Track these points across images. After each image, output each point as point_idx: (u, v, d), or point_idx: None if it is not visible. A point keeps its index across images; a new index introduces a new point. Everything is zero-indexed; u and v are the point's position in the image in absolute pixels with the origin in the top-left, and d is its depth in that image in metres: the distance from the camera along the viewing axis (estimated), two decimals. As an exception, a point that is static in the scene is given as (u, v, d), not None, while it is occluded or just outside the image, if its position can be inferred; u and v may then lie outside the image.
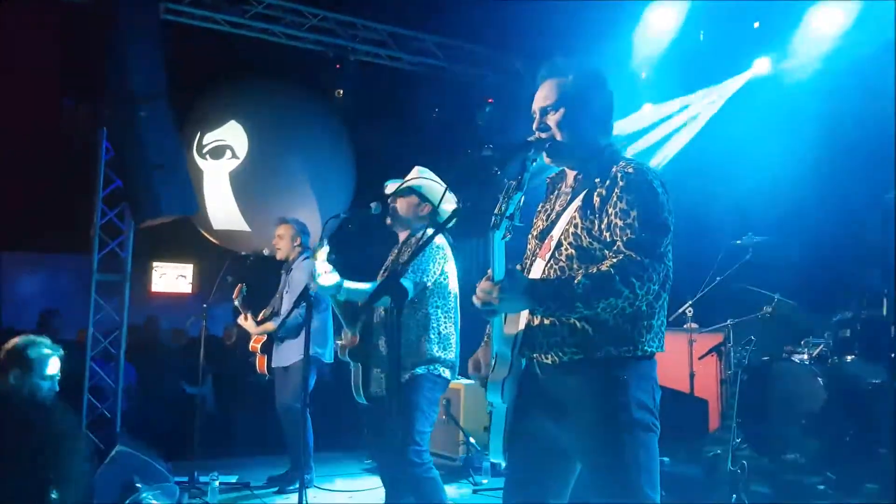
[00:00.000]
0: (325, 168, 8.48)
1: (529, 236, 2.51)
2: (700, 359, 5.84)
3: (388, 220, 3.87)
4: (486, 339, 2.56)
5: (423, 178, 3.82)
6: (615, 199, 2.23)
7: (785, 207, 6.02)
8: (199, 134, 8.42)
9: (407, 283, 3.53)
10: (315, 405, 5.03)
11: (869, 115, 5.56)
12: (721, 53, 6.50)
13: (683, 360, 5.92)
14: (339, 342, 5.72)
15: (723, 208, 6.31)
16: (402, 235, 3.92)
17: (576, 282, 2.11)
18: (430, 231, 3.67)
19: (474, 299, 2.19)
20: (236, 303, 5.51)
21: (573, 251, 2.28)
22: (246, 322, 5.54)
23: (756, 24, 6.30)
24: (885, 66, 5.24)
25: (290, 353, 5.26)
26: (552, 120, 2.37)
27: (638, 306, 2.18)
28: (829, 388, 5.01)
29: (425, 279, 3.63)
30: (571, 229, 2.31)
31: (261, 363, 5.48)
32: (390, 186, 3.90)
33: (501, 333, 2.37)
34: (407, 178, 3.87)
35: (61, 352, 3.48)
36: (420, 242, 3.42)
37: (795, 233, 6.05)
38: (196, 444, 5.52)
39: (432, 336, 3.66)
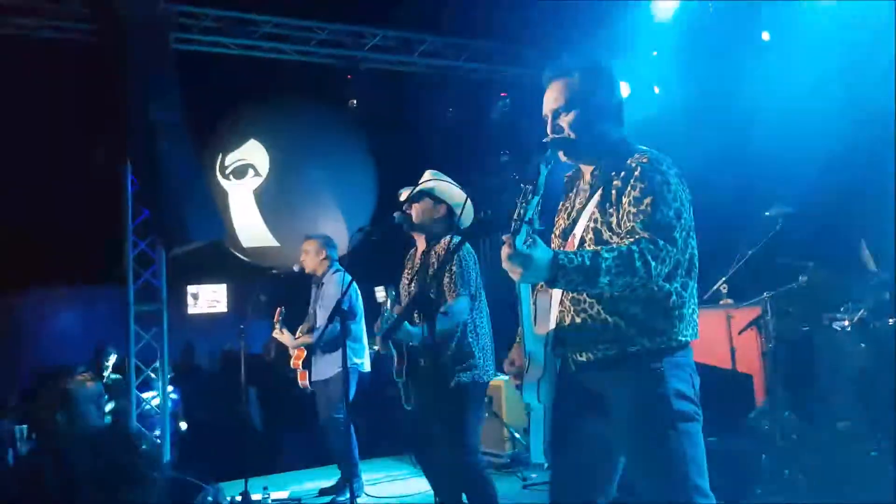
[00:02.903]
0: (347, 177, 8.55)
1: (552, 236, 2.50)
2: (739, 333, 5.77)
3: (405, 228, 3.85)
4: (518, 339, 2.57)
5: (434, 179, 3.82)
6: (630, 188, 2.23)
7: (813, 173, 5.92)
8: (220, 155, 8.54)
9: (463, 301, 3.57)
10: (357, 413, 5.08)
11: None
12: (731, 25, 6.39)
13: (723, 336, 5.85)
14: (375, 347, 5.75)
15: (749, 180, 6.23)
16: (421, 241, 3.91)
17: (601, 257, 2.07)
18: (449, 238, 3.71)
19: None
20: (277, 326, 5.54)
21: (595, 248, 2.27)
22: (283, 335, 5.57)
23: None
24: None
25: (328, 367, 5.30)
26: (564, 122, 2.37)
27: (650, 288, 2.17)
28: (872, 352, 4.94)
29: (473, 290, 3.65)
30: (592, 225, 2.31)
31: (302, 377, 5.54)
32: (404, 193, 3.90)
33: (532, 333, 2.37)
34: (419, 182, 3.87)
35: (102, 387, 3.53)
36: (453, 254, 3.47)
37: (826, 198, 5.95)
38: (245, 462, 5.59)
39: (471, 341, 3.68)
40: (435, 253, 3.77)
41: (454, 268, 3.60)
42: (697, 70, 6.66)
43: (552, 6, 6.62)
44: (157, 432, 6.69)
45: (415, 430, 3.82)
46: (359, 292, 5.40)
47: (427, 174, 3.88)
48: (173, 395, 7.30)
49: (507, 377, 6.01)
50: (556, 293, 2.36)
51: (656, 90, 7.03)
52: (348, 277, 5.02)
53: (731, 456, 4.87)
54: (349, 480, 5.21)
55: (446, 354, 3.62)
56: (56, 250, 9.89)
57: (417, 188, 3.80)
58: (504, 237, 2.03)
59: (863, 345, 4.99)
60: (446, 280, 3.62)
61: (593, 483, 2.36)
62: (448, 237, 3.75)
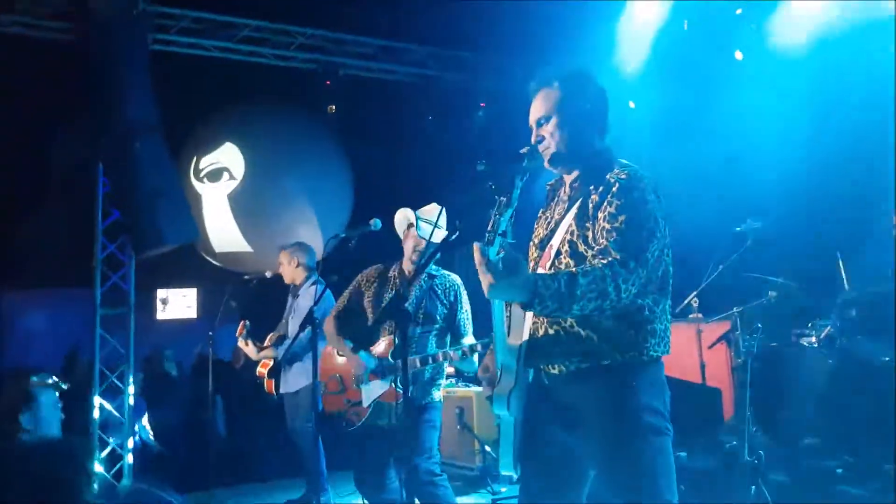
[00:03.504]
0: (323, 184, 8.47)
1: (531, 244, 2.51)
2: (709, 348, 5.82)
3: (414, 255, 3.87)
4: (491, 347, 2.56)
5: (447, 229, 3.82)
6: (606, 204, 2.24)
7: (782, 190, 6.00)
8: (195, 158, 8.43)
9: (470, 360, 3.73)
10: (327, 426, 5.02)
11: (862, 89, 5.55)
12: (706, 41, 6.48)
13: (693, 350, 5.90)
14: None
15: (720, 196, 6.30)
16: (410, 266, 3.93)
17: (577, 283, 2.07)
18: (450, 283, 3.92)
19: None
20: (241, 339, 5.48)
21: (570, 260, 2.28)
22: (247, 347, 5.51)
23: (738, 11, 6.29)
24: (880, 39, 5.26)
25: (298, 379, 5.21)
26: (546, 131, 2.39)
27: (620, 308, 2.16)
28: (839, 369, 4.99)
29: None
30: (568, 237, 2.31)
31: (269, 386, 5.46)
32: (431, 232, 3.76)
33: (505, 345, 2.37)
34: (434, 217, 3.83)
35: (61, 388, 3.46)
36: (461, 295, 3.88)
37: (794, 214, 6.04)
38: (210, 473, 5.51)
39: (444, 366, 3.94)
40: (441, 285, 3.90)
41: (466, 307, 3.90)
42: (672, 86, 6.73)
43: (535, 19, 6.66)
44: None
45: (375, 449, 3.85)
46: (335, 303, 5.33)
47: (436, 212, 3.86)
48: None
49: (478, 389, 6.02)
50: None
51: (631, 105, 7.09)
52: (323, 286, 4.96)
53: (700, 471, 4.90)
54: (316, 493, 5.14)
55: (426, 374, 3.82)
56: (24, 251, 9.69)
57: (449, 238, 3.69)
58: (474, 245, 2.04)
59: (830, 361, 5.05)
60: (462, 316, 3.89)
61: (563, 496, 2.35)
62: (450, 277, 3.93)
